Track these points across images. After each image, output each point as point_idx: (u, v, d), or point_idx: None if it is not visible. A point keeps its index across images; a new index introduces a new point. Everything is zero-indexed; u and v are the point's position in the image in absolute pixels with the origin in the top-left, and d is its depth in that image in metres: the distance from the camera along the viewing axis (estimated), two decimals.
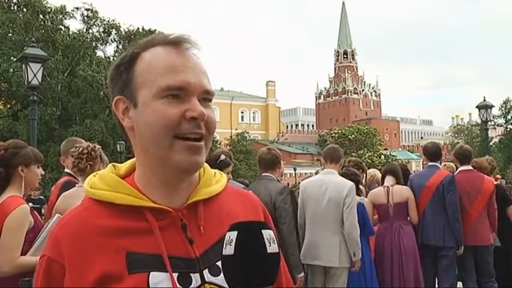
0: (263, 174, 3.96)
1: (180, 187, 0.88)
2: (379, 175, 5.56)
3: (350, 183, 4.06)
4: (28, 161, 2.50)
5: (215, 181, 0.95)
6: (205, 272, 0.84)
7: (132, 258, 0.80)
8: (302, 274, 3.73)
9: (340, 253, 3.94)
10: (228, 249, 0.68)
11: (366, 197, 4.78)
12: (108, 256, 0.80)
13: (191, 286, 0.82)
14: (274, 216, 3.63)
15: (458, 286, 4.93)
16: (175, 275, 0.81)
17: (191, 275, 0.83)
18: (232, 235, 0.69)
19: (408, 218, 4.69)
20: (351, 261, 3.99)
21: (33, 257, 2.25)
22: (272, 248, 0.68)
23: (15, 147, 2.52)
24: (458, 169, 4.92)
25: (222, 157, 3.85)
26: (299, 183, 4.93)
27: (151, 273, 0.80)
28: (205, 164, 0.93)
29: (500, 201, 4.82)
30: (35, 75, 8.19)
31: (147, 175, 0.88)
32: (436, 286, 4.74)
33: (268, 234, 0.69)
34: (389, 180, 4.80)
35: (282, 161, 4.12)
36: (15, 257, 2.25)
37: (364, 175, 5.69)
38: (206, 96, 0.86)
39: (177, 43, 0.87)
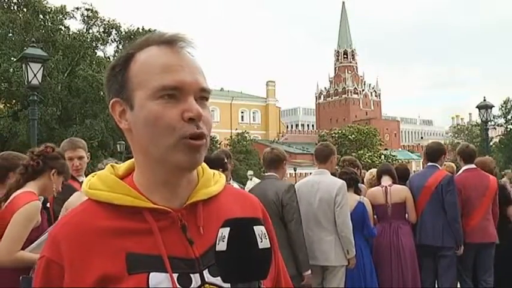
0: (267, 173, 3.99)
1: (179, 186, 0.89)
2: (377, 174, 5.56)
3: (340, 182, 4.08)
4: (61, 169, 2.62)
5: (214, 182, 0.95)
6: (205, 273, 0.84)
7: (132, 258, 0.81)
8: (309, 271, 3.75)
9: (336, 251, 3.97)
10: (221, 245, 0.69)
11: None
12: (108, 257, 0.80)
13: (191, 286, 0.82)
14: (281, 214, 3.67)
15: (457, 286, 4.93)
16: (175, 275, 0.81)
17: (191, 275, 0.83)
18: (225, 231, 0.70)
19: (407, 217, 4.69)
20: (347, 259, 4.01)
21: (33, 254, 2.27)
22: (264, 243, 0.69)
23: (59, 153, 2.69)
24: (463, 167, 4.92)
25: (226, 160, 3.88)
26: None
27: (151, 273, 0.80)
28: (205, 165, 0.94)
29: (500, 201, 4.84)
30: (35, 75, 8.20)
31: (147, 175, 0.88)
32: (436, 286, 4.74)
33: (259, 230, 0.70)
34: (386, 180, 4.81)
35: (285, 161, 4.13)
36: (15, 250, 2.27)
37: (359, 172, 5.71)
38: (203, 95, 0.86)
39: (171, 42, 0.87)
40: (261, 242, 0.69)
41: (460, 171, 4.96)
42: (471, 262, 4.71)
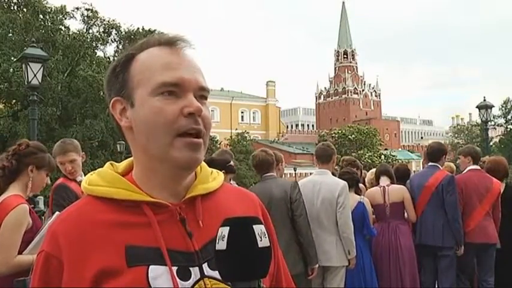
0: (267, 174, 3.96)
1: (179, 183, 0.89)
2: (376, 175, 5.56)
3: (342, 183, 4.09)
4: (41, 164, 2.54)
5: (212, 178, 0.96)
6: (205, 266, 0.85)
7: (131, 251, 0.81)
8: (317, 265, 3.80)
9: (337, 252, 3.98)
10: (221, 244, 0.70)
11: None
12: (107, 250, 0.81)
13: (190, 280, 0.83)
14: (291, 209, 3.72)
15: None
16: (174, 268, 0.82)
17: (190, 268, 0.83)
18: (225, 230, 0.70)
19: (406, 216, 4.70)
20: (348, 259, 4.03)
21: (30, 255, 2.25)
22: (263, 242, 0.70)
23: (35, 147, 2.58)
24: (469, 167, 4.93)
25: (232, 163, 3.87)
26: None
27: (151, 266, 0.80)
28: (203, 163, 0.95)
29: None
30: (35, 75, 8.20)
31: (146, 173, 0.89)
32: (436, 286, 4.74)
33: (259, 229, 0.70)
34: (384, 180, 4.83)
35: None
36: (11, 256, 2.25)
37: (360, 173, 5.71)
38: (202, 93, 0.87)
39: (171, 43, 0.88)
40: (261, 240, 0.70)
41: (465, 171, 4.96)
42: (471, 262, 4.71)
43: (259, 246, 0.69)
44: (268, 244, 0.71)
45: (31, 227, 2.36)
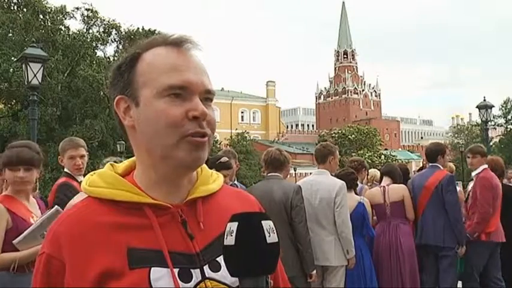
0: (272, 173, 3.94)
1: (180, 184, 0.89)
2: (379, 175, 5.57)
3: (340, 183, 4.09)
4: (4, 162, 2.51)
5: (212, 180, 0.97)
6: (206, 268, 0.85)
7: (133, 253, 0.81)
8: (315, 271, 3.79)
9: (335, 251, 3.98)
10: (229, 240, 0.69)
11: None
12: (109, 252, 0.80)
13: (191, 282, 0.83)
14: (289, 214, 3.69)
15: (458, 286, 4.93)
16: (176, 270, 0.82)
17: (192, 270, 0.84)
18: (233, 226, 0.70)
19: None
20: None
21: (12, 253, 2.29)
22: (272, 238, 0.69)
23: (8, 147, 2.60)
24: (482, 167, 4.92)
25: (223, 159, 3.86)
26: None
27: (152, 268, 0.80)
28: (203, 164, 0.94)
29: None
30: (35, 75, 8.19)
31: (148, 173, 0.89)
32: (437, 286, 4.74)
33: (267, 224, 0.70)
34: (385, 180, 4.84)
35: (289, 164, 4.16)
36: None
37: (366, 173, 5.70)
38: (207, 96, 0.87)
39: (178, 43, 0.88)
40: (269, 236, 0.69)
41: (479, 170, 4.91)
42: (485, 261, 4.72)
43: (268, 241, 0.69)
44: (277, 240, 0.70)
45: (11, 226, 2.36)
